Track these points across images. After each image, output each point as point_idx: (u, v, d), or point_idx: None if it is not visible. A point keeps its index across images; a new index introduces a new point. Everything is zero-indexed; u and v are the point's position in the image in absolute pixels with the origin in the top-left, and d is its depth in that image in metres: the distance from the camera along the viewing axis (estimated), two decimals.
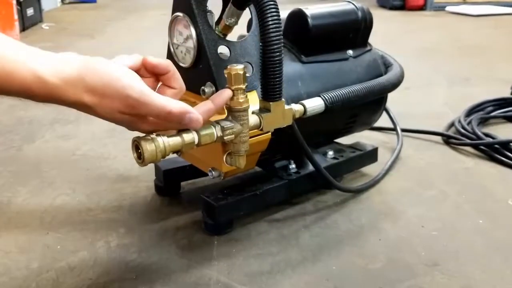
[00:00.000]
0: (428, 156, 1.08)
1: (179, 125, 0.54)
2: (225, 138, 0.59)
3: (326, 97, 0.73)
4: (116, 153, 1.10)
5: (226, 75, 0.60)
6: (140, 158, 0.54)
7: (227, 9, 0.71)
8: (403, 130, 1.17)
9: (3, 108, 1.42)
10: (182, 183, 0.94)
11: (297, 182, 0.85)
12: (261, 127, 0.64)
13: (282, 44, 0.61)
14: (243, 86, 0.59)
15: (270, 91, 0.63)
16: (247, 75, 0.72)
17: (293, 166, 0.86)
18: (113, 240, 0.77)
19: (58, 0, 4.08)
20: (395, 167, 1.02)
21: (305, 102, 0.71)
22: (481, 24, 3.07)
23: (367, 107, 0.91)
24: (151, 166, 0.91)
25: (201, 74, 0.70)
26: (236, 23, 0.73)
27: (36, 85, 0.48)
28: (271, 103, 0.63)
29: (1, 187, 0.95)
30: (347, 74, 0.86)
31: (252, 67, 0.73)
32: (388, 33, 2.65)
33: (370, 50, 0.91)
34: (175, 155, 0.84)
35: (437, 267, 0.70)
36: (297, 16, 0.83)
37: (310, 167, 0.85)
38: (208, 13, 0.71)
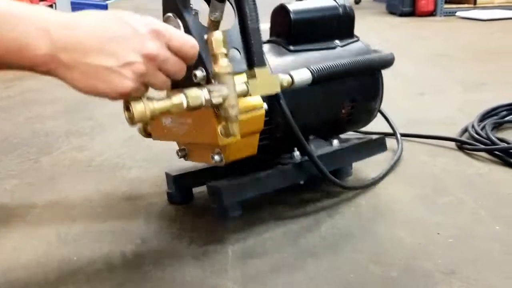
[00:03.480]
0: (442, 162, 1.08)
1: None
2: (213, 100, 0.61)
3: (313, 68, 0.75)
4: (131, 164, 1.11)
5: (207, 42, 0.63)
6: (129, 113, 0.58)
7: (210, 5, 0.74)
8: (417, 136, 1.16)
9: (20, 121, 1.45)
10: (195, 193, 0.94)
11: (301, 166, 0.85)
12: (248, 92, 0.66)
13: (257, 12, 0.65)
14: (224, 51, 0.62)
15: (252, 57, 0.66)
16: (236, 58, 0.74)
17: (297, 153, 0.86)
18: (129, 251, 0.78)
19: None
20: (410, 174, 1.01)
21: (292, 72, 0.73)
22: (492, 29, 3.04)
23: (363, 89, 0.92)
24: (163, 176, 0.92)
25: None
26: (220, 17, 0.75)
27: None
28: (255, 69, 0.66)
29: (18, 199, 0.97)
30: (336, 59, 0.86)
31: (239, 52, 0.75)
32: (400, 40, 2.65)
33: (357, 40, 0.94)
34: (182, 159, 0.85)
35: (454, 274, 0.69)
36: (280, 10, 0.87)
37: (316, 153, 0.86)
38: (193, 12, 0.74)
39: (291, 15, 0.85)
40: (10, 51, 0.49)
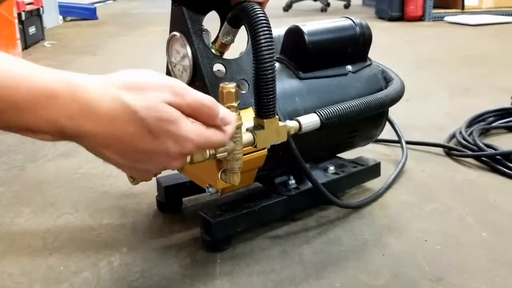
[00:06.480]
0: (430, 169, 1.08)
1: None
2: (217, 156, 0.58)
3: (322, 113, 0.73)
4: (119, 171, 1.09)
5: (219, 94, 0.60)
6: (132, 177, 0.55)
7: (222, 28, 0.72)
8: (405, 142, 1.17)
9: None
10: (184, 200, 0.94)
11: (296, 198, 0.84)
12: (254, 144, 0.64)
13: (274, 61, 0.62)
14: (235, 104, 0.59)
15: (264, 108, 0.63)
16: (243, 92, 0.73)
17: (292, 181, 0.85)
18: (115, 260, 0.77)
19: (59, 18, 4.11)
20: (397, 180, 1.02)
21: (300, 118, 0.71)
22: (480, 34, 3.08)
23: (367, 122, 0.91)
24: (154, 183, 0.91)
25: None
26: (232, 41, 0.73)
27: (58, 85, 0.42)
28: (264, 120, 0.64)
29: (4, 207, 0.95)
30: (346, 89, 0.86)
31: (248, 84, 0.74)
32: (388, 45, 2.66)
33: (370, 65, 0.92)
34: (175, 171, 0.84)
35: (441, 281, 0.69)
36: (294, 33, 0.84)
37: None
38: (204, 32, 0.72)
39: (306, 41, 0.81)
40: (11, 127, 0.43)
